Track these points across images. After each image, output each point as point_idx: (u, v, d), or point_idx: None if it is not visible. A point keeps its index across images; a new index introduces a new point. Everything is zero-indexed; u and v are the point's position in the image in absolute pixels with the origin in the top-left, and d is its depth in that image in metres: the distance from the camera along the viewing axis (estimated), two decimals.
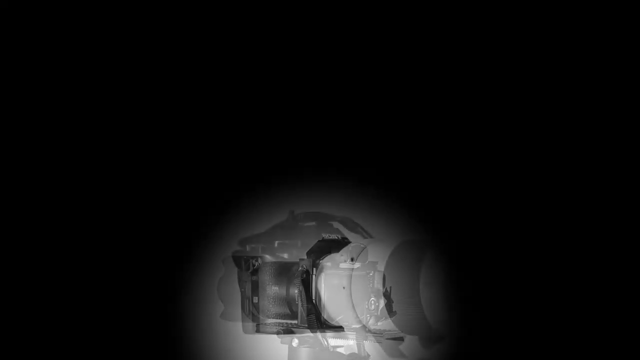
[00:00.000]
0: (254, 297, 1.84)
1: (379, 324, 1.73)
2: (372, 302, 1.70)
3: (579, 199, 2.12)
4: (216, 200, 2.30)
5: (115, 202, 2.29)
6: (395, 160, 2.25)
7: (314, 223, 1.95)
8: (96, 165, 2.28)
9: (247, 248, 1.92)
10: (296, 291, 1.76)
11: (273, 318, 1.85)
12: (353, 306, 1.72)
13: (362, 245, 1.78)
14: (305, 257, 1.78)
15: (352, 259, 1.75)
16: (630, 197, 2.10)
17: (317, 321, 1.73)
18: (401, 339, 1.72)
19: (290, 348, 1.80)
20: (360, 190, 2.16)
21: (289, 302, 1.80)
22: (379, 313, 1.70)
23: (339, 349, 1.80)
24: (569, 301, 2.10)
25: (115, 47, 2.28)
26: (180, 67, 2.28)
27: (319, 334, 1.76)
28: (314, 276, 1.75)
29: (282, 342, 1.83)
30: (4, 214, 2.26)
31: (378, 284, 1.70)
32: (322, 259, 1.77)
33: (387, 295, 1.68)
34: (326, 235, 1.79)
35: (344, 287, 1.72)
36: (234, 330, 2.06)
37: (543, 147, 2.14)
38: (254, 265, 1.85)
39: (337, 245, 1.78)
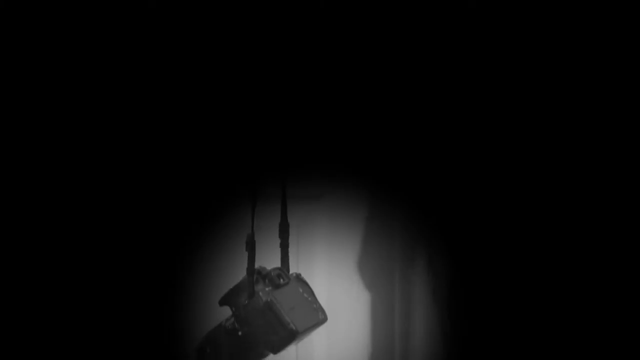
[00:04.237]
0: None
1: None
2: None
3: (579, 203, 2.12)
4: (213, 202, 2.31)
5: (116, 202, 2.29)
6: (394, 161, 2.25)
7: None
8: (96, 165, 2.29)
9: None
10: None
11: None
12: None
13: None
14: None
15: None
16: (629, 197, 2.10)
17: None
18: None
19: None
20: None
21: None
22: None
23: None
24: (567, 305, 2.10)
25: (114, 47, 2.28)
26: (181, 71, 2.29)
27: None
28: None
29: None
30: (4, 214, 2.26)
31: None
32: None
33: None
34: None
35: None
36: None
37: (544, 152, 2.14)
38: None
39: None
